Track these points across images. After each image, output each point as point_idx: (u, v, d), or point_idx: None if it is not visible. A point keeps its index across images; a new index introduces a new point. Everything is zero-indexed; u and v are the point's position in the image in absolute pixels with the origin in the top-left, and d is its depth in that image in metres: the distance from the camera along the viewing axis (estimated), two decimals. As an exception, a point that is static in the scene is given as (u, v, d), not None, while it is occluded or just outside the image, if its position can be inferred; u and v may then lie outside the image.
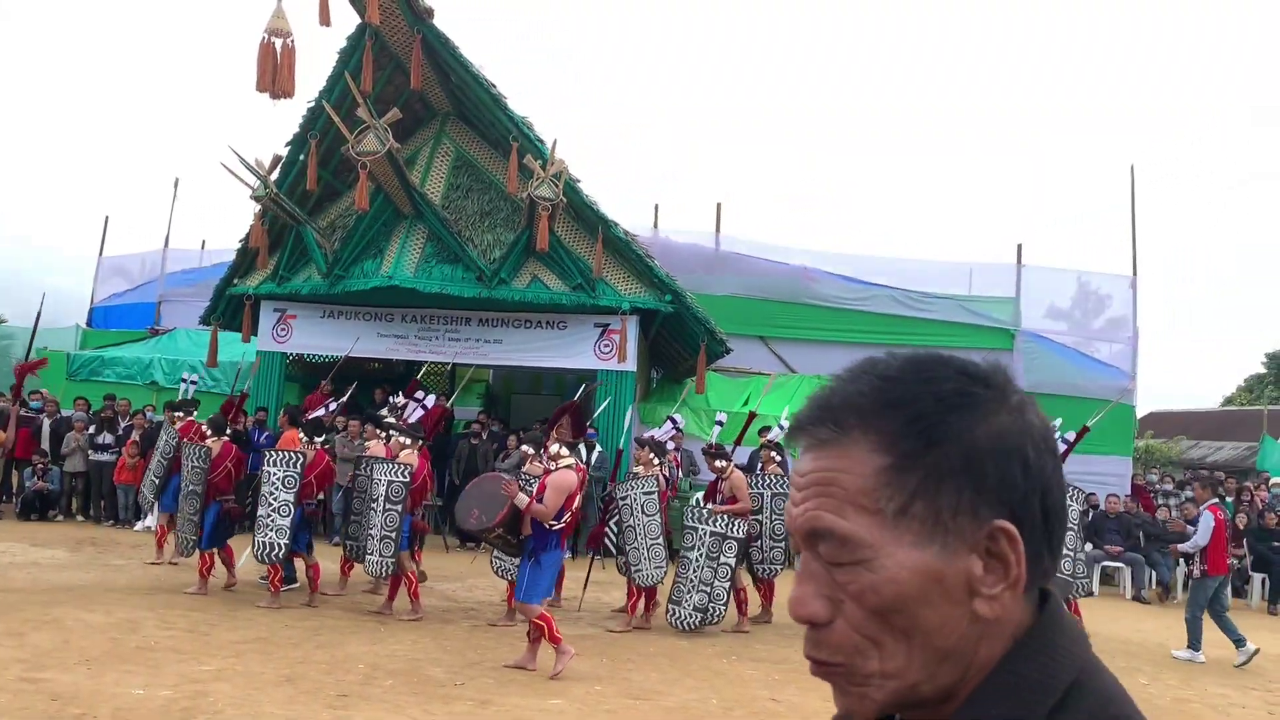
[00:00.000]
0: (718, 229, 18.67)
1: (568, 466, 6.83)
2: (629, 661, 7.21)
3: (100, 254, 22.12)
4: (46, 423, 13.77)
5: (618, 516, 8.85)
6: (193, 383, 12.14)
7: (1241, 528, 14.03)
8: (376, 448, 9.20)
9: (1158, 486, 16.91)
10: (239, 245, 13.56)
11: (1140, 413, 20.70)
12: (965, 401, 0.80)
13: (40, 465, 13.24)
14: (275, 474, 8.58)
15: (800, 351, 17.81)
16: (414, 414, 9.89)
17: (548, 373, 15.80)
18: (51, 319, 16.36)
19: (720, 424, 9.93)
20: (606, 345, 12.78)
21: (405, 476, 8.38)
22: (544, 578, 6.66)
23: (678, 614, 8.33)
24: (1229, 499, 15.22)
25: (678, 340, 14.19)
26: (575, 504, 6.75)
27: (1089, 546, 13.64)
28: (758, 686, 6.72)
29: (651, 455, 8.84)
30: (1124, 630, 10.18)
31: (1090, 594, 13.14)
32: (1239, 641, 8.78)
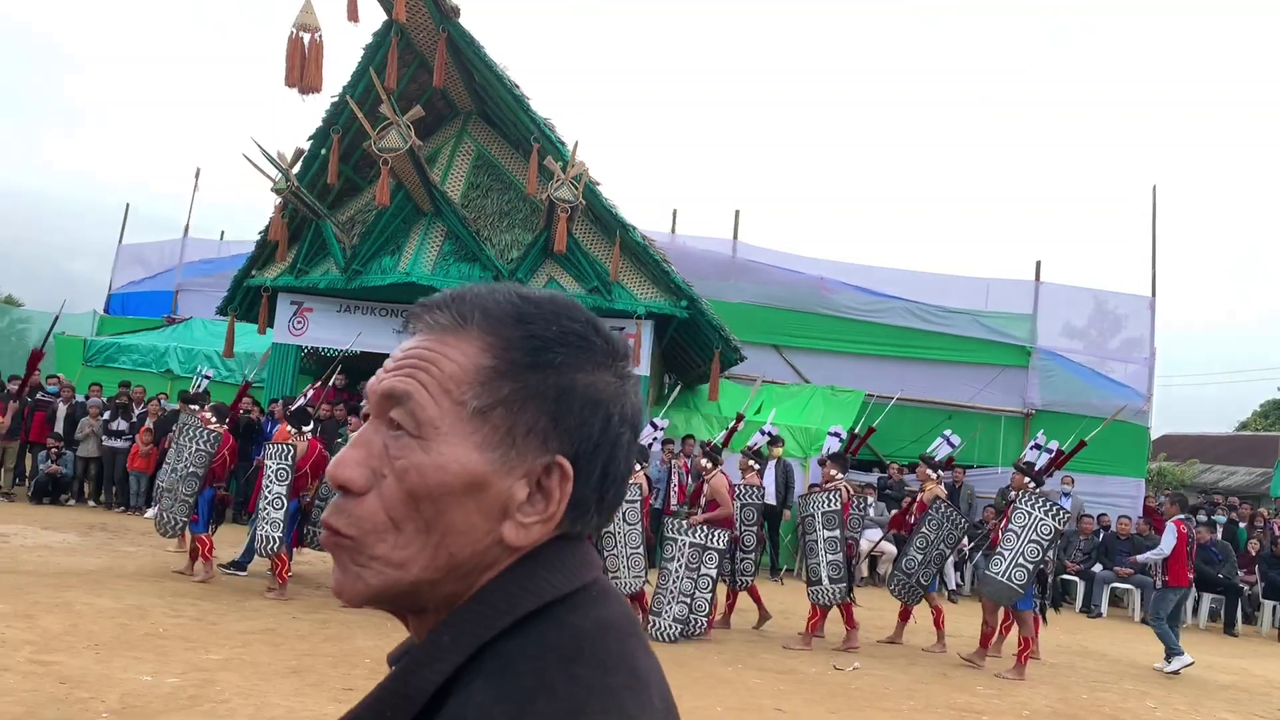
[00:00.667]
0: (735, 235, 18.67)
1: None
2: (634, 666, 7.19)
3: (120, 241, 22.28)
4: (62, 407, 13.84)
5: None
6: (206, 376, 12.19)
7: (1254, 554, 13.94)
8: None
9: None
10: (258, 237, 13.61)
11: (1154, 435, 20.59)
12: (581, 345, 0.84)
13: (54, 449, 13.30)
14: (270, 466, 8.67)
15: (814, 361, 17.80)
16: None
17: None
18: (69, 304, 16.47)
19: (769, 434, 9.88)
20: (621, 349, 12.78)
21: None
22: None
23: (658, 625, 8.24)
24: (1241, 524, 15.14)
25: (692, 346, 14.18)
26: None
27: (1099, 567, 13.59)
28: (763, 695, 6.70)
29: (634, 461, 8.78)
30: (1133, 653, 10.11)
31: (1100, 615, 13.12)
32: (1173, 651, 9.08)
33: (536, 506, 0.81)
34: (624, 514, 8.47)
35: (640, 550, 8.47)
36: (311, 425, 9.26)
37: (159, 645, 6.35)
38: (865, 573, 13.52)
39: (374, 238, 12.65)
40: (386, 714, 0.78)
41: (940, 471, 9.62)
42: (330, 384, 11.25)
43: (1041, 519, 8.07)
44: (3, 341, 21.38)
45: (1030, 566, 8.00)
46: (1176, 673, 9.03)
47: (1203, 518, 14.96)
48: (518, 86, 12.17)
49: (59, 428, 13.67)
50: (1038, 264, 17.71)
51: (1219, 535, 14.13)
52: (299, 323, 13.73)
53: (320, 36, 8.16)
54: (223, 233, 22.04)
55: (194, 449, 9.22)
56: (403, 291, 12.76)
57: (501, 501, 0.80)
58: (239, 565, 9.35)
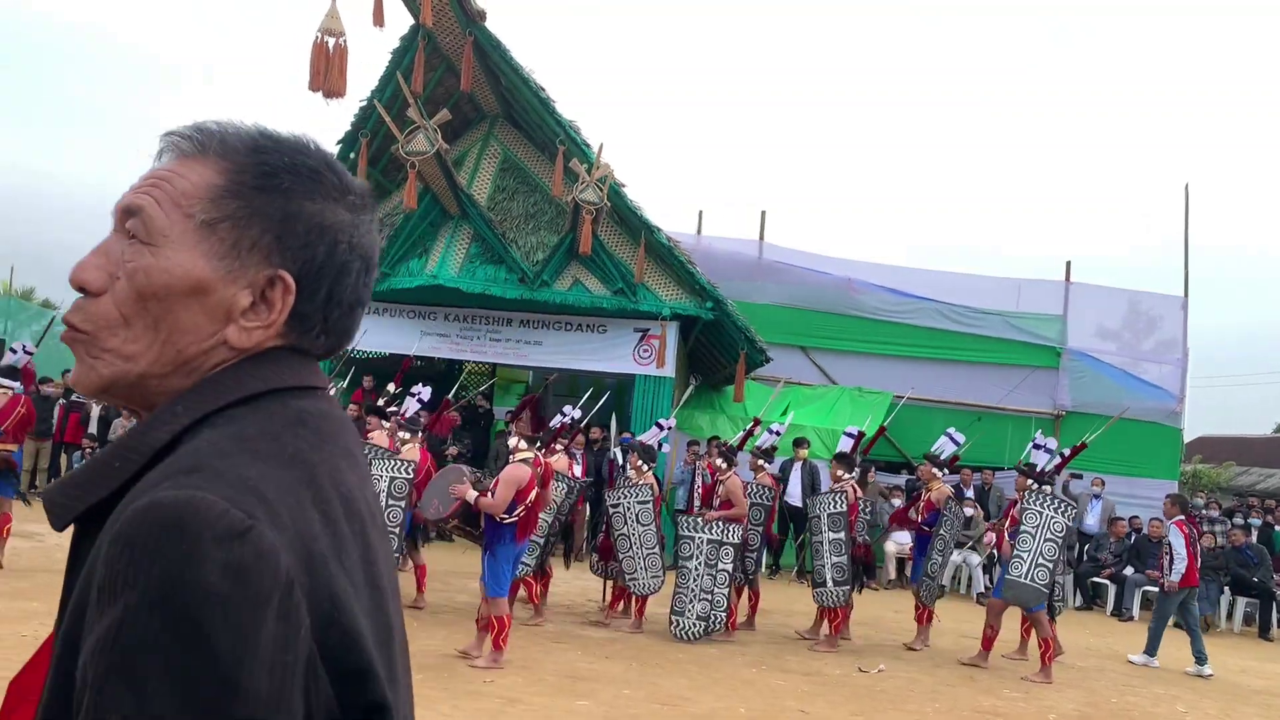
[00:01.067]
0: (761, 236, 18.62)
1: (524, 460, 6.88)
2: (658, 667, 7.21)
3: (154, 246, 22.53)
4: (95, 408, 14.04)
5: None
6: None
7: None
8: (380, 438, 9.23)
9: (1204, 512, 16.57)
10: (288, 240, 13.76)
11: (1189, 437, 20.34)
12: (311, 177, 0.93)
13: (88, 449, 13.52)
14: None
15: (841, 363, 17.71)
16: (411, 408, 9.99)
17: (585, 375, 15.84)
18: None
19: (778, 434, 9.83)
20: (646, 350, 12.80)
21: (409, 473, 8.36)
22: (499, 569, 6.74)
23: (681, 624, 8.29)
24: (1277, 527, 14.91)
25: (717, 347, 14.17)
26: (529, 498, 6.74)
27: (1130, 570, 13.43)
28: (787, 697, 6.69)
29: (640, 462, 8.73)
30: (1163, 656, 9.98)
31: (1131, 618, 12.95)
32: (1202, 657, 9.26)
33: (259, 314, 0.90)
34: (637, 515, 8.48)
35: (656, 551, 8.47)
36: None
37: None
38: (893, 575, 13.45)
39: (402, 241, 12.74)
40: (115, 465, 0.85)
41: (946, 470, 9.55)
42: (360, 386, 11.34)
43: (1053, 517, 8.09)
44: (40, 344, 21.69)
45: (1050, 565, 8.02)
46: (1134, 664, 9.41)
47: (1239, 521, 14.77)
48: (544, 89, 12.22)
49: (93, 428, 13.88)
50: (1068, 264, 17.54)
51: (1254, 538, 13.92)
52: (328, 325, 13.85)
53: (345, 41, 8.24)
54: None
55: None
56: (430, 294, 12.86)
57: (225, 306, 0.89)
58: None
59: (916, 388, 16.59)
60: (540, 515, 7.22)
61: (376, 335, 13.71)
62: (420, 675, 6.20)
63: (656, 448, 9.61)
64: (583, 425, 10.42)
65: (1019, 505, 8.43)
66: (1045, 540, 8.02)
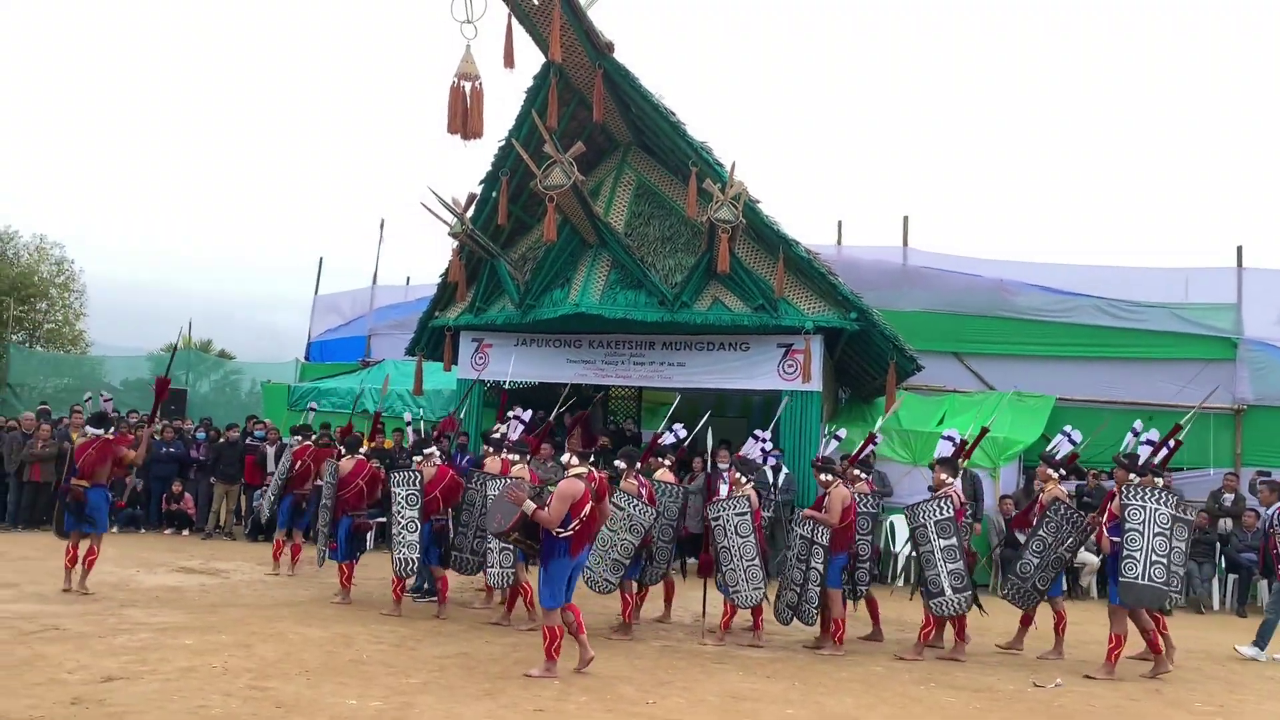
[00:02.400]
0: (905, 242, 18.27)
1: (577, 475, 7.01)
2: (821, 686, 7.09)
3: (315, 293, 23.86)
4: (270, 450, 14.87)
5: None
6: (312, 409, 12.77)
7: None
8: (492, 464, 9.46)
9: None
10: (439, 280, 14.31)
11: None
12: None
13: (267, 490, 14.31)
14: (399, 493, 9.15)
15: (998, 367, 17.16)
16: (515, 430, 10.34)
17: (732, 395, 15.81)
18: (274, 354, 17.71)
19: (963, 442, 9.58)
20: (790, 365, 12.69)
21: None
22: (552, 582, 6.85)
23: (776, 607, 8.63)
24: None
25: (865, 358, 13.91)
26: (584, 512, 6.84)
27: (1222, 561, 12.62)
28: (957, 714, 6.46)
29: (739, 475, 8.79)
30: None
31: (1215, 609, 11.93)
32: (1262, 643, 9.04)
33: None
34: (735, 527, 8.55)
35: (756, 562, 8.50)
36: (437, 452, 9.63)
37: (363, 671, 6.73)
38: (1065, 587, 12.82)
39: (544, 272, 13.07)
40: None
41: (1063, 471, 9.10)
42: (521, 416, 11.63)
43: (1158, 509, 7.73)
44: (217, 392, 23.24)
45: (1165, 560, 7.65)
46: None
47: None
48: (673, 113, 12.35)
49: (270, 468, 14.70)
50: (1239, 249, 16.48)
51: None
52: (480, 358, 14.33)
53: (480, 84, 8.54)
54: (408, 278, 23.27)
55: (326, 481, 9.85)
56: (574, 322, 13.12)
57: None
58: (418, 590, 9.89)
59: (1078, 389, 15.88)
60: (597, 528, 7.33)
61: (524, 366, 14.08)
62: (584, 697, 6.29)
63: (760, 460, 9.61)
64: (687, 443, 10.59)
65: (1117, 499, 8.07)
66: (1155, 535, 7.68)
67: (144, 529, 14.83)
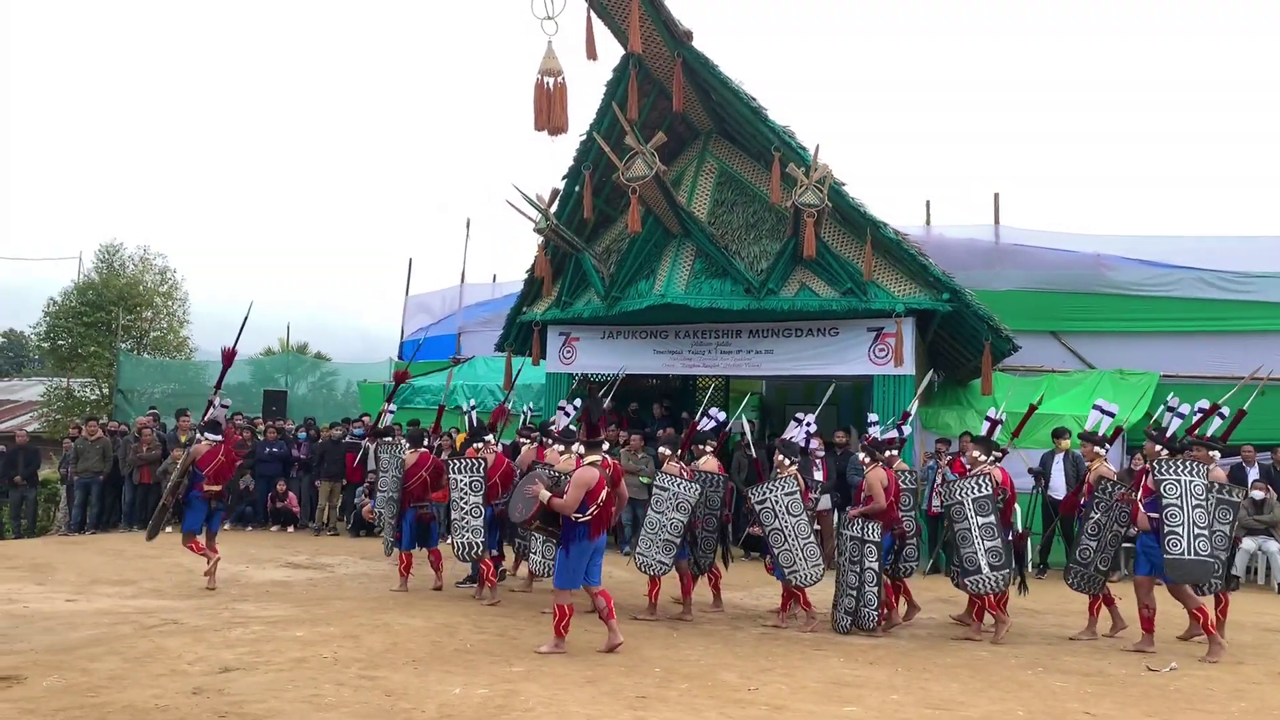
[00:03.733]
0: (996, 220, 17.83)
1: (592, 464, 7.43)
2: (925, 672, 6.99)
3: (406, 293, 24.33)
4: (371, 447, 15.23)
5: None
6: (390, 412, 12.97)
7: None
8: (554, 456, 9.47)
9: None
10: (526, 276, 14.49)
11: None
12: None
13: (367, 486, 14.68)
14: (461, 480, 9.38)
15: (1097, 344, 16.68)
16: (562, 420, 10.85)
17: (820, 381, 15.66)
18: (369, 354, 18.12)
19: (998, 421, 9.37)
20: (882, 349, 12.50)
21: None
22: (570, 565, 7.25)
23: (835, 618, 8.55)
24: None
25: (959, 340, 13.62)
26: (600, 497, 7.24)
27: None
28: (1069, 699, 6.30)
29: (782, 457, 8.85)
30: None
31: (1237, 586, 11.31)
32: None
33: None
34: (787, 507, 8.54)
35: (812, 540, 8.52)
36: (492, 438, 10.05)
37: (467, 660, 6.87)
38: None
39: (629, 264, 13.11)
40: None
41: (1108, 446, 8.80)
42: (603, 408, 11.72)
43: (1192, 480, 7.61)
44: (315, 393, 23.91)
45: (1208, 532, 7.54)
46: None
47: None
48: (754, 99, 12.25)
49: (371, 465, 15.06)
50: (1354, 211, 15.66)
51: None
52: (568, 352, 14.46)
53: (563, 79, 8.59)
54: (495, 275, 23.58)
55: (390, 474, 10.06)
56: (660, 313, 13.14)
57: None
58: (471, 579, 10.12)
59: (1185, 364, 15.30)
60: (614, 511, 7.63)
61: (611, 357, 14.16)
62: (686, 684, 6.31)
63: (804, 442, 9.69)
64: (728, 429, 10.80)
65: (1151, 475, 7.89)
66: (1195, 508, 7.57)
67: (252, 526, 15.36)
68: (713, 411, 10.39)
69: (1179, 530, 7.55)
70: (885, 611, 8.64)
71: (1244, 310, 16.01)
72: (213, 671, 6.27)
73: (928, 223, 18.33)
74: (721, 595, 9.61)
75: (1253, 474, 12.83)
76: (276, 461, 15.58)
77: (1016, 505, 9.06)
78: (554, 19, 8.38)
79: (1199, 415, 8.77)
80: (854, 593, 8.39)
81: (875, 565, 8.32)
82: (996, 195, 17.94)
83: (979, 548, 8.23)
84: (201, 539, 9.85)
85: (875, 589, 8.34)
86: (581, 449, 8.13)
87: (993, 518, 8.24)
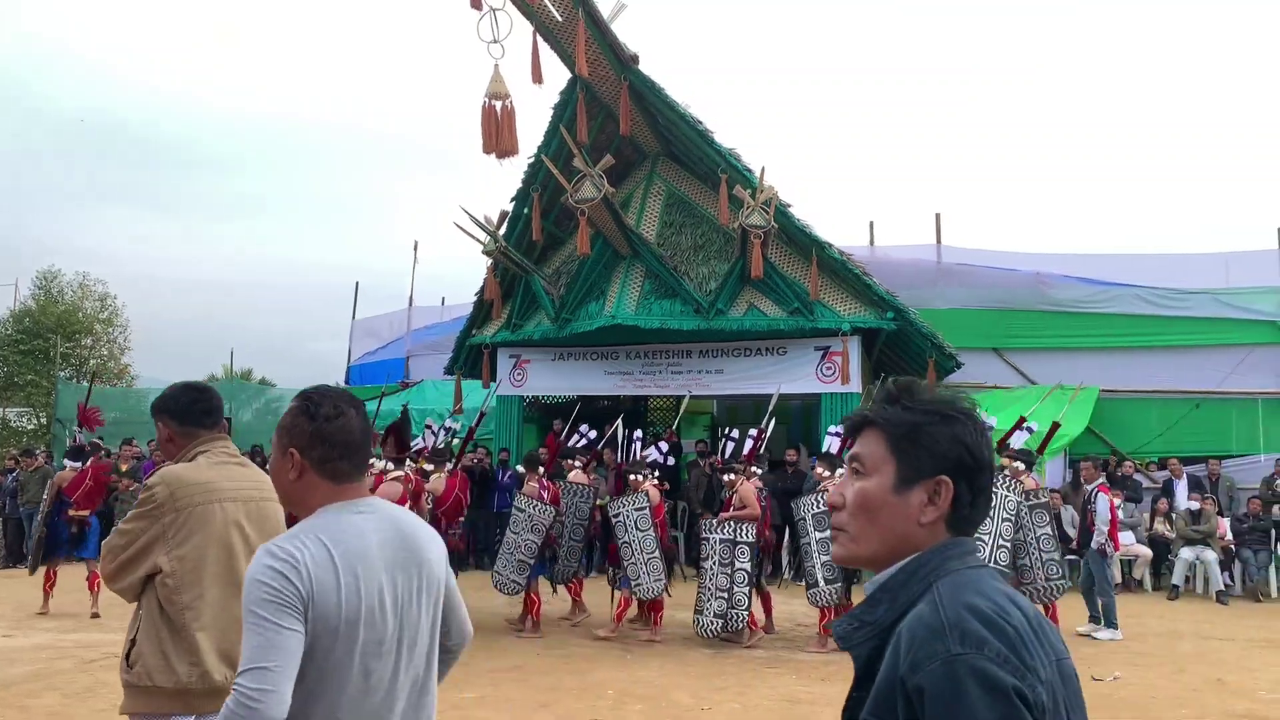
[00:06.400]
0: (938, 240, 18.15)
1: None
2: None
3: (353, 317, 24.11)
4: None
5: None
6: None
7: None
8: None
9: None
10: (475, 298, 14.44)
11: None
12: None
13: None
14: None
15: (1039, 361, 16.99)
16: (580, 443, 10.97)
17: (769, 400, 15.78)
18: (316, 379, 17.90)
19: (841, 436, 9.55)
20: (829, 367, 12.65)
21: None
22: None
23: (701, 622, 8.67)
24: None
25: (904, 357, 13.85)
26: None
27: (1278, 548, 12.18)
28: (1015, 711, 6.41)
29: (635, 476, 9.28)
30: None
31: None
32: (1113, 623, 9.20)
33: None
34: (635, 522, 8.91)
35: (656, 555, 8.80)
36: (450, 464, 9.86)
37: (419, 686, 6.79)
38: (1119, 579, 12.66)
39: (579, 286, 13.13)
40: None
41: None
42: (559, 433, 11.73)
43: (1006, 495, 8.12)
44: (259, 420, 23.55)
45: (1010, 545, 8.05)
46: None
47: None
48: (700, 122, 12.39)
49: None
50: (1280, 230, 16.21)
51: None
52: (519, 374, 14.43)
53: (511, 103, 8.61)
54: (443, 299, 23.46)
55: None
56: (610, 334, 13.17)
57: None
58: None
59: (1124, 379, 15.69)
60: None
61: (562, 379, 14.16)
62: (640, 705, 6.32)
63: (661, 459, 10.21)
64: (601, 446, 11.18)
65: None
66: (1003, 521, 8.06)
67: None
68: (583, 429, 10.73)
69: (985, 539, 8.02)
70: (754, 624, 8.88)
71: (1178, 326, 16.45)
72: (157, 705, 6.14)
73: (872, 243, 18.60)
74: (582, 603, 9.74)
75: (1180, 485, 13.19)
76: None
77: None
78: (500, 43, 8.40)
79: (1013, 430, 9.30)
80: (724, 595, 8.59)
81: (747, 567, 8.56)
82: (938, 215, 18.30)
83: (816, 562, 8.50)
84: (91, 567, 9.88)
85: (745, 590, 8.55)
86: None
87: (829, 533, 8.39)
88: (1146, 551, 12.78)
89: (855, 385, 12.51)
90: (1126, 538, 12.80)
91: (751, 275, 11.87)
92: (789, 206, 12.14)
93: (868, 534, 1.48)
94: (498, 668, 7.46)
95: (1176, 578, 12.32)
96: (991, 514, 7.99)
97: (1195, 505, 12.41)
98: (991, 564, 7.74)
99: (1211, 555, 12.21)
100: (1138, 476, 13.93)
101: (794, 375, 12.94)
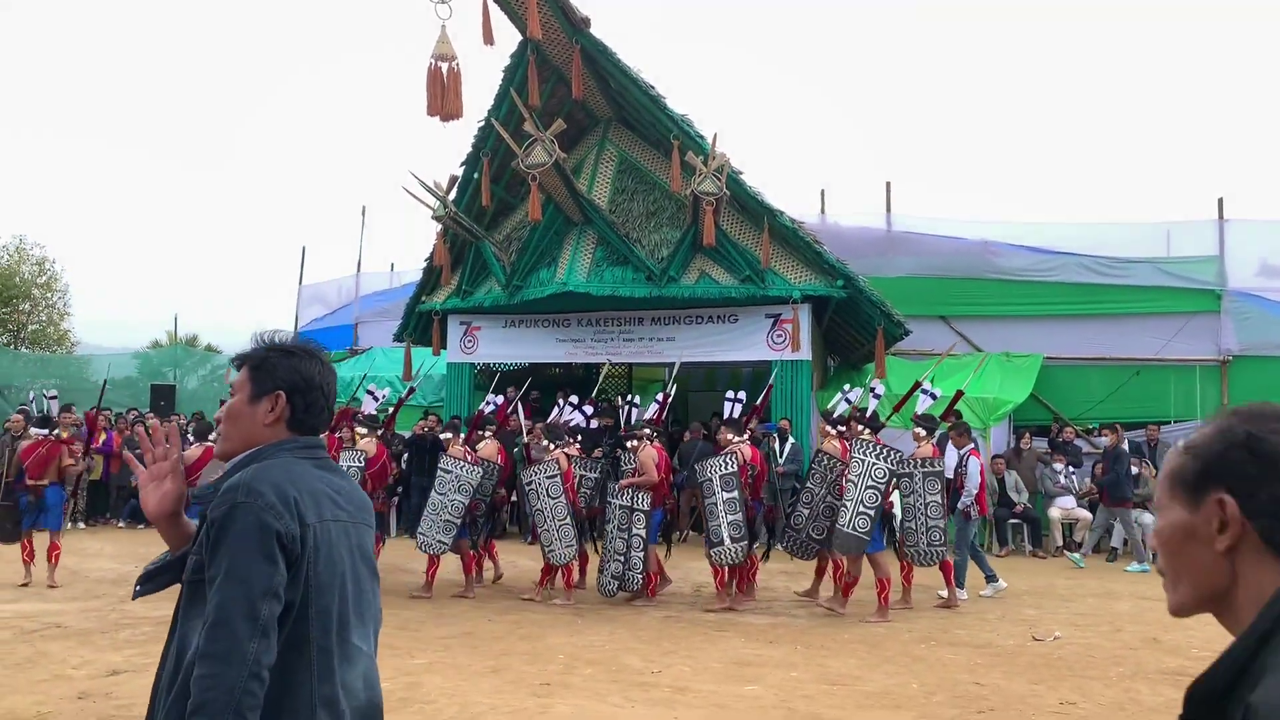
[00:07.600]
0: (888, 209, 18.26)
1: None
2: (824, 648, 7.17)
3: (300, 283, 23.73)
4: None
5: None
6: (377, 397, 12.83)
7: None
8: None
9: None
10: (424, 265, 14.27)
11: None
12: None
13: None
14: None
15: (985, 328, 17.20)
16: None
17: (721, 368, 15.85)
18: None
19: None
20: (779, 335, 12.72)
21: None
22: None
23: (600, 581, 9.06)
24: None
25: (853, 325, 13.96)
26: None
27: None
28: (959, 670, 6.55)
29: (546, 441, 9.52)
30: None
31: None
32: (991, 576, 9.47)
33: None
34: (547, 489, 9.11)
35: (568, 522, 9.00)
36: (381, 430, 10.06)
37: (369, 653, 6.76)
38: (1060, 541, 12.98)
39: (530, 252, 13.04)
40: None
41: (841, 427, 9.09)
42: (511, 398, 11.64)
43: (875, 464, 8.35)
44: (206, 386, 23.17)
45: (872, 512, 8.26)
46: (991, 596, 9.35)
47: None
48: (653, 87, 12.30)
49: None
50: (1220, 201, 16.52)
51: None
52: (469, 341, 14.33)
53: (458, 65, 8.47)
54: (392, 265, 23.17)
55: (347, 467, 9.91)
56: (561, 301, 13.12)
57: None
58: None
59: (1065, 347, 15.98)
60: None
61: (515, 347, 14.10)
62: (590, 669, 6.35)
63: (583, 423, 10.58)
64: (510, 414, 11.35)
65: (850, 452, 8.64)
66: (867, 488, 8.31)
67: (144, 524, 14.81)
68: (490, 397, 10.84)
69: (848, 505, 8.33)
70: (654, 580, 9.12)
71: (1120, 294, 16.73)
72: (100, 675, 6.06)
73: (823, 211, 18.65)
74: (483, 571, 9.86)
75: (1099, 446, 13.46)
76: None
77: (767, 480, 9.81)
78: (448, 3, 8.27)
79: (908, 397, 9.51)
80: (621, 558, 8.88)
81: (643, 533, 8.82)
82: (889, 184, 18.39)
83: (723, 521, 8.66)
84: (53, 538, 9.64)
85: (641, 554, 8.82)
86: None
87: (736, 493, 8.69)
88: (1087, 515, 13.08)
89: (805, 353, 12.61)
90: (1067, 502, 13.11)
91: (704, 243, 11.86)
92: (740, 174, 12.13)
93: (230, 434, 2.04)
94: (448, 634, 7.46)
95: (1115, 540, 12.63)
96: (855, 480, 8.35)
97: (1135, 469, 12.71)
98: (849, 529, 8.22)
99: (1149, 518, 12.53)
100: (1079, 442, 14.22)
101: (745, 343, 13.01)
